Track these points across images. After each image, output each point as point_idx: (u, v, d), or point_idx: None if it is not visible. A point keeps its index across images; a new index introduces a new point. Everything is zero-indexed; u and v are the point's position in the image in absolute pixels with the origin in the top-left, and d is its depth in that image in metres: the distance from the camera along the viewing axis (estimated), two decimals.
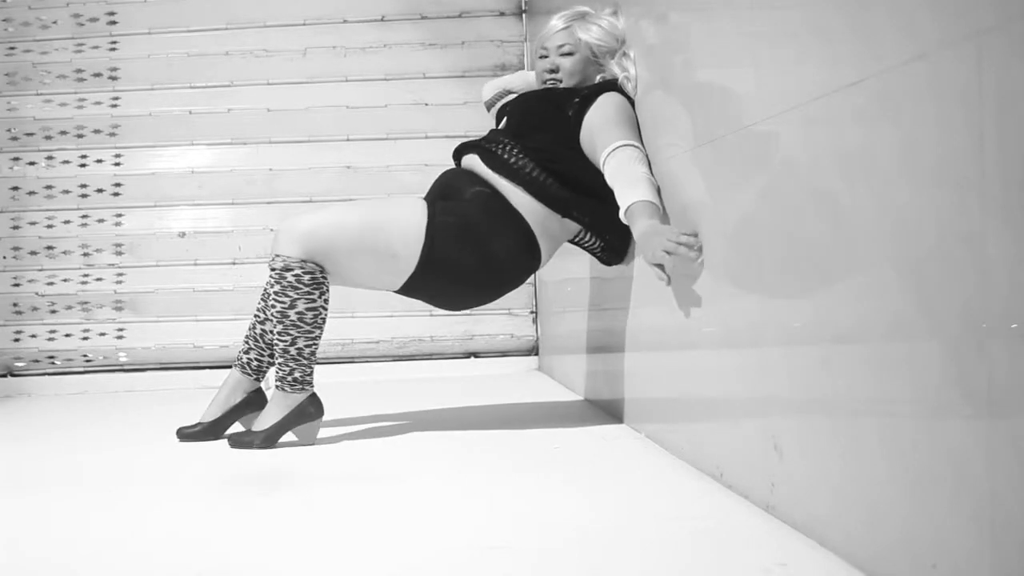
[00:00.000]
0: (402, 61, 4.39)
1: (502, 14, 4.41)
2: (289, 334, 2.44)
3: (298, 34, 4.40)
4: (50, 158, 4.40)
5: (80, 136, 4.39)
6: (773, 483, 1.56)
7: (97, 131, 4.40)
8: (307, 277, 2.41)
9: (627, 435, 2.44)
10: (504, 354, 4.38)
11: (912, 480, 1.14)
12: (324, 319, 2.47)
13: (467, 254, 2.45)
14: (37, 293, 4.40)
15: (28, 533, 1.76)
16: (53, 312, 4.40)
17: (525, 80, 2.94)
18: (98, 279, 4.39)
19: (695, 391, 2.00)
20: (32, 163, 4.40)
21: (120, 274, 4.39)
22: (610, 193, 2.29)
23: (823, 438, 1.39)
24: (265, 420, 2.49)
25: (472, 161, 2.57)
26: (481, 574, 1.39)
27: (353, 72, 4.39)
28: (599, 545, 1.50)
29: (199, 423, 2.66)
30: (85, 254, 4.39)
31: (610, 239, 2.51)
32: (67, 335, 4.39)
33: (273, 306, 2.44)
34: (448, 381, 4.08)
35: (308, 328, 2.44)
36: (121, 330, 4.39)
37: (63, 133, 4.40)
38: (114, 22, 4.40)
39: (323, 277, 2.44)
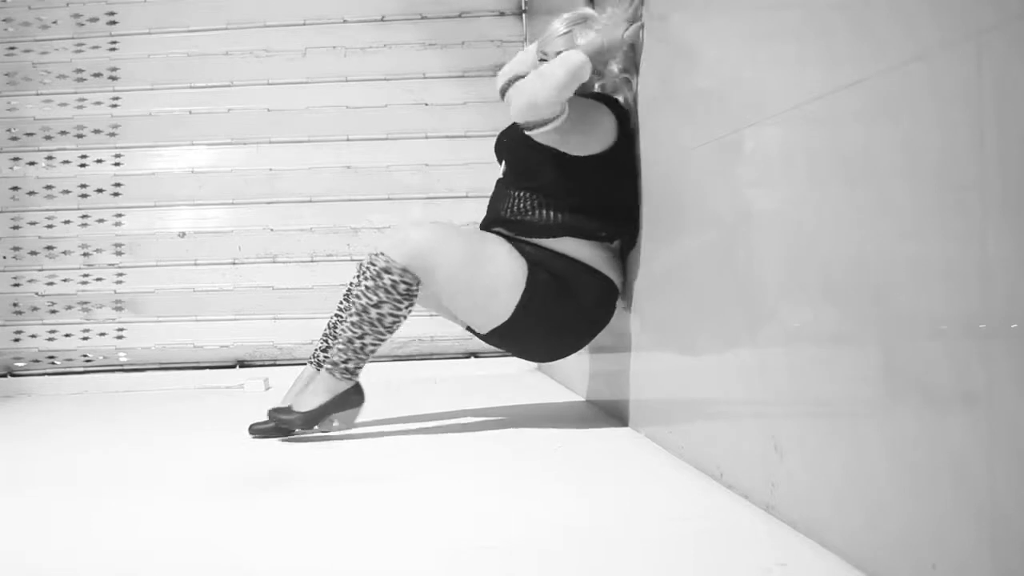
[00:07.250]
0: (402, 61, 4.38)
1: (502, 14, 4.40)
2: (362, 328, 2.46)
3: (298, 34, 4.39)
4: (50, 158, 4.40)
5: (80, 136, 4.39)
6: (773, 483, 1.56)
7: (97, 131, 4.40)
8: (403, 287, 2.43)
9: (627, 435, 2.43)
10: (504, 354, 4.35)
11: (912, 480, 1.14)
12: (399, 327, 2.50)
13: (563, 308, 2.47)
14: (37, 293, 4.39)
15: (27, 533, 1.76)
16: (53, 312, 4.39)
17: (533, 61, 2.95)
18: (98, 279, 4.39)
19: (695, 391, 2.00)
20: (32, 163, 4.39)
21: (120, 274, 4.39)
22: (622, 200, 2.32)
23: (823, 438, 1.39)
24: (310, 402, 2.51)
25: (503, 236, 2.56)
26: (480, 574, 1.39)
27: (353, 72, 4.38)
28: (599, 545, 1.50)
29: (269, 420, 2.64)
30: (85, 254, 4.39)
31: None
32: (67, 335, 4.39)
33: (358, 297, 2.46)
34: (448, 381, 4.08)
35: (382, 331, 2.47)
36: (121, 330, 4.39)
37: (63, 133, 4.39)
38: (114, 22, 4.40)
39: (416, 290, 2.46)
